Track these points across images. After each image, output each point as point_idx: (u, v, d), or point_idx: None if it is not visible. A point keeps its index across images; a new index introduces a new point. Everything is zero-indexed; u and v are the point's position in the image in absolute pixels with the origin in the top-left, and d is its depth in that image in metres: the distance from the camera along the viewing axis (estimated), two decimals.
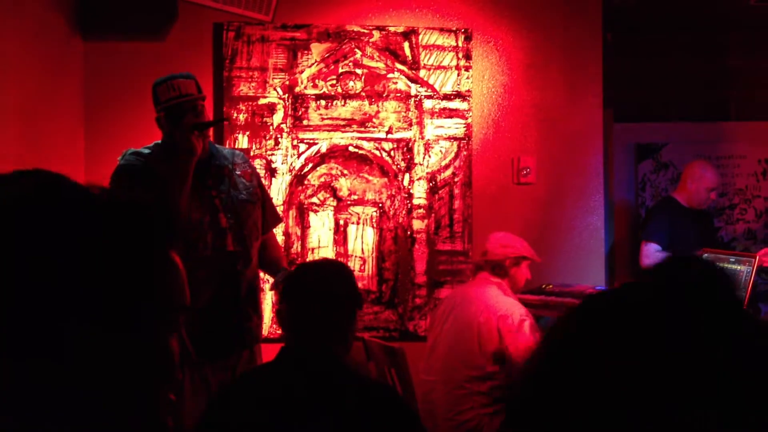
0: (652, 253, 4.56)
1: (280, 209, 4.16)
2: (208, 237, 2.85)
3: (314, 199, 4.21)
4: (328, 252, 4.19)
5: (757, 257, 3.64)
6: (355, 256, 4.21)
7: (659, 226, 4.65)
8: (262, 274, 3.27)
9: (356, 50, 4.23)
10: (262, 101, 4.16)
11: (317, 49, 4.21)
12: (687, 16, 5.10)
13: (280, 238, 4.16)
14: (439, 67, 4.28)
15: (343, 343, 2.04)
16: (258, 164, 4.15)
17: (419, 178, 4.27)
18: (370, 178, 4.25)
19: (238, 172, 3.01)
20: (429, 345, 3.50)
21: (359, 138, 4.23)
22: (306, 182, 4.20)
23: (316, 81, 4.21)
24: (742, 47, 5.41)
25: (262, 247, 3.09)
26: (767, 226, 5.47)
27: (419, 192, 4.27)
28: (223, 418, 1.91)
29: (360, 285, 3.21)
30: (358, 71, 4.23)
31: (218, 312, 2.82)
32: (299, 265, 2.40)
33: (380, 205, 4.25)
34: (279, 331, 4.00)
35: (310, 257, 4.16)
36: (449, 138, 4.29)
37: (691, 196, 4.70)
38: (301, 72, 4.19)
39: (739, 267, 3.46)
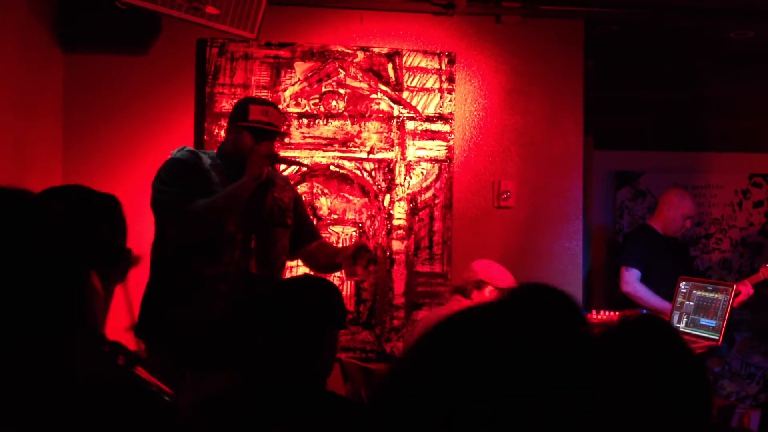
0: (633, 279, 4.58)
1: None
2: (236, 253, 2.86)
3: None
4: (306, 270, 4.16)
5: (734, 286, 3.66)
6: (334, 276, 4.18)
7: (638, 253, 4.67)
8: None
9: (340, 70, 4.24)
10: None
11: (301, 67, 4.20)
12: (667, 47, 5.16)
13: None
14: (422, 89, 4.30)
15: (325, 365, 2.01)
16: None
17: (400, 199, 4.26)
18: (351, 197, 4.24)
19: (276, 195, 3.03)
20: None
21: (341, 157, 4.22)
22: None
23: (299, 99, 4.20)
24: (720, 78, 5.48)
25: (317, 250, 3.13)
26: (742, 256, 5.52)
27: (399, 213, 4.26)
28: None
29: None
30: (341, 91, 4.23)
31: (229, 327, 2.81)
32: (280, 282, 2.37)
33: (360, 225, 4.23)
34: None
35: (288, 275, 4.12)
36: (431, 160, 4.29)
37: (667, 223, 4.73)
38: (284, 90, 4.18)
39: (716, 295, 3.48)
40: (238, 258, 2.87)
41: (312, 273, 3.38)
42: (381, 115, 4.26)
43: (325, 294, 2.07)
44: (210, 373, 2.77)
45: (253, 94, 4.15)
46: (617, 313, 3.74)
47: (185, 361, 2.80)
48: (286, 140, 4.18)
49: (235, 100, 4.12)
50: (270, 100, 3.09)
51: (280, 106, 4.16)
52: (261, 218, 2.94)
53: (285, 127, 4.15)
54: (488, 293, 3.48)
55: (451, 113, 4.32)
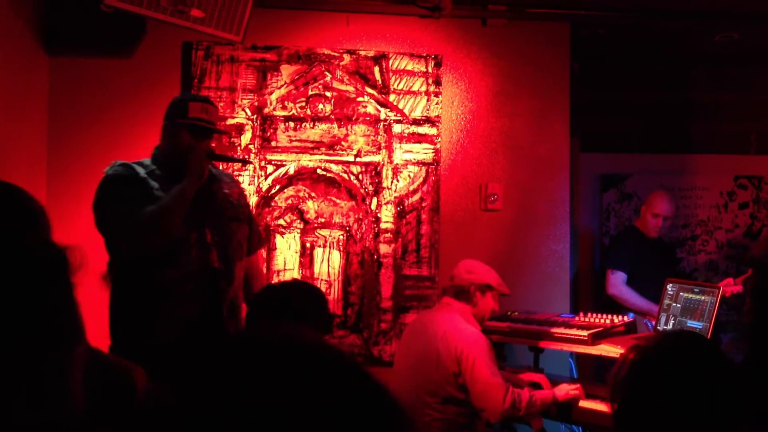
0: (619, 282, 4.59)
1: None
2: (193, 252, 2.82)
3: (281, 221, 4.17)
4: (293, 275, 4.15)
5: (721, 288, 3.67)
6: (321, 280, 4.18)
7: (623, 255, 4.69)
8: None
9: (326, 73, 4.23)
10: (230, 121, 4.13)
11: (287, 70, 4.19)
12: (653, 50, 5.18)
13: None
14: (408, 92, 4.29)
15: None
16: None
17: (387, 202, 4.25)
18: (338, 201, 4.23)
19: (226, 191, 3.00)
20: (394, 370, 3.47)
21: (327, 161, 4.21)
22: (273, 204, 4.17)
23: (286, 103, 4.19)
24: (706, 81, 5.51)
25: (248, 277, 3.07)
26: (728, 258, 5.55)
27: (387, 216, 4.25)
28: None
29: None
30: (328, 94, 4.22)
31: (201, 327, 2.78)
32: (266, 286, 2.36)
33: (347, 228, 4.22)
34: None
35: (275, 279, 4.11)
36: (418, 163, 4.29)
37: (644, 223, 4.79)
38: (271, 93, 4.17)
39: (702, 297, 3.49)
40: (198, 256, 2.83)
41: (299, 278, 3.37)
42: (368, 118, 4.25)
43: (314, 299, 2.06)
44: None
45: (239, 98, 4.14)
46: (604, 315, 3.75)
47: (160, 371, 2.75)
48: (273, 144, 4.17)
49: (222, 104, 4.12)
50: (208, 97, 3.02)
51: (266, 110, 4.16)
52: (214, 213, 2.90)
53: (256, 126, 4.14)
54: (491, 299, 3.45)
55: (438, 116, 4.32)
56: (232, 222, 2.97)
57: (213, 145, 2.96)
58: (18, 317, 0.84)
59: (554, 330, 3.62)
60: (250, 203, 4.13)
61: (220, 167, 3.32)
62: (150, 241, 2.74)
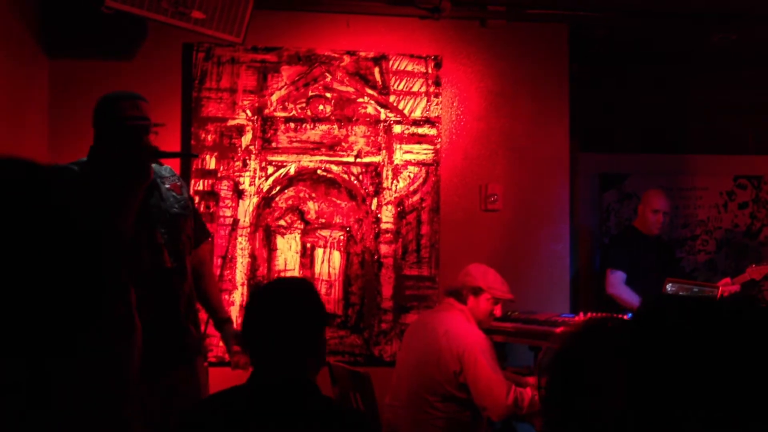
0: (618, 282, 4.60)
1: (246, 231, 4.13)
2: (144, 253, 2.75)
3: (281, 222, 4.18)
4: (294, 275, 4.16)
5: (720, 287, 3.69)
6: (322, 280, 4.19)
7: (623, 255, 4.70)
8: None
9: (326, 74, 4.24)
10: (231, 123, 4.14)
11: (287, 72, 4.21)
12: (652, 50, 5.20)
13: (245, 260, 4.12)
14: (408, 93, 4.31)
15: (314, 363, 2.01)
16: (225, 185, 4.12)
17: (387, 203, 4.27)
18: (338, 201, 4.24)
19: (167, 186, 2.91)
20: (396, 370, 3.48)
21: (328, 161, 4.22)
22: (273, 205, 4.18)
23: (286, 104, 4.20)
24: (705, 81, 5.52)
25: (196, 274, 2.99)
26: (728, 257, 5.56)
27: (387, 217, 4.27)
28: None
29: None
30: (328, 95, 4.24)
31: (160, 329, 2.75)
32: (259, 287, 2.32)
33: (348, 229, 4.24)
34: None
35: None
36: (418, 163, 4.30)
37: (643, 222, 4.79)
38: (271, 94, 4.18)
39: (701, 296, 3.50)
40: (149, 255, 2.77)
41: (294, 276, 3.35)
42: (368, 119, 4.27)
43: (312, 293, 2.07)
44: (151, 379, 2.68)
45: (240, 99, 4.15)
46: (605, 314, 3.76)
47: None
48: (273, 145, 4.18)
49: (223, 105, 4.13)
50: (138, 93, 2.87)
51: (266, 111, 4.17)
52: (160, 212, 2.83)
53: (257, 127, 4.15)
54: (484, 301, 3.46)
55: (437, 117, 4.33)
56: (180, 217, 2.89)
57: (152, 142, 2.81)
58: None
59: (555, 330, 3.63)
60: (252, 203, 4.14)
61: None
62: None
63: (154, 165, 2.88)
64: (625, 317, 3.72)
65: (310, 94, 4.22)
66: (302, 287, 2.10)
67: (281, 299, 2.02)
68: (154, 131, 2.81)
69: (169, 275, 2.79)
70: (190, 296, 2.90)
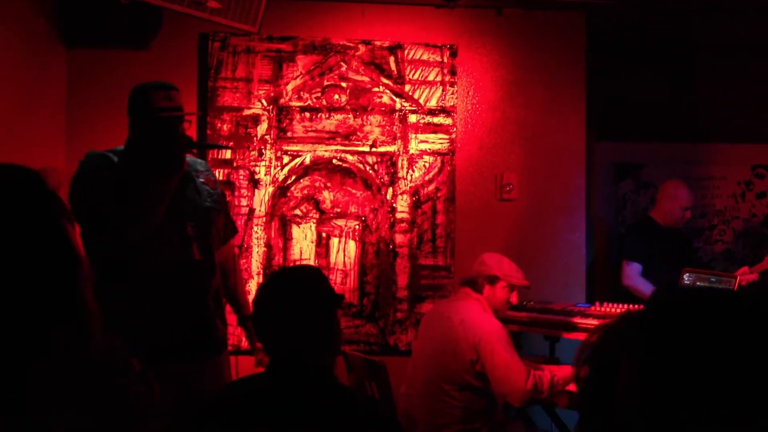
0: (634, 273, 4.58)
1: (262, 221, 4.14)
2: (173, 245, 2.75)
3: (297, 212, 4.19)
4: (309, 264, 4.17)
5: (738, 277, 3.67)
6: (337, 269, 4.20)
7: (639, 246, 4.67)
8: None
9: (342, 63, 4.24)
10: (246, 112, 4.15)
11: (303, 61, 4.21)
12: (670, 37, 5.15)
13: (261, 250, 4.14)
14: (424, 82, 4.30)
15: (330, 348, 2.01)
16: (241, 175, 4.13)
17: (402, 192, 4.26)
18: (354, 191, 4.24)
19: (201, 180, 2.91)
20: (412, 359, 3.48)
21: (343, 151, 4.22)
22: (289, 194, 4.19)
23: (301, 93, 4.20)
24: (723, 69, 5.46)
25: (223, 270, 2.99)
26: (745, 247, 5.52)
27: (402, 206, 4.26)
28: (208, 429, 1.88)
29: None
30: (343, 84, 4.23)
31: (187, 322, 2.76)
32: (268, 278, 2.32)
33: (363, 218, 4.24)
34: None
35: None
36: (433, 153, 4.30)
37: (666, 215, 4.74)
38: (286, 84, 4.19)
39: (719, 286, 3.48)
40: (178, 248, 2.76)
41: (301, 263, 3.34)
42: (383, 109, 4.26)
43: (319, 279, 2.08)
44: (176, 372, 2.69)
45: (255, 89, 4.16)
46: (621, 304, 3.74)
47: (147, 361, 2.71)
48: (289, 134, 4.19)
49: (239, 94, 4.14)
50: (169, 83, 2.85)
51: (282, 100, 4.17)
52: (191, 205, 2.82)
53: (272, 117, 4.15)
54: (500, 289, 3.46)
55: (453, 106, 4.32)
56: (211, 212, 2.89)
57: (187, 132, 2.84)
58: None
59: (571, 319, 3.63)
60: (267, 193, 4.15)
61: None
62: (131, 234, 2.66)
63: (189, 158, 2.89)
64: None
65: (326, 83, 4.22)
66: (308, 274, 2.11)
67: (288, 287, 2.03)
68: (188, 120, 2.81)
69: (198, 268, 2.79)
70: (217, 290, 2.91)
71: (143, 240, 2.68)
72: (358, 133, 4.24)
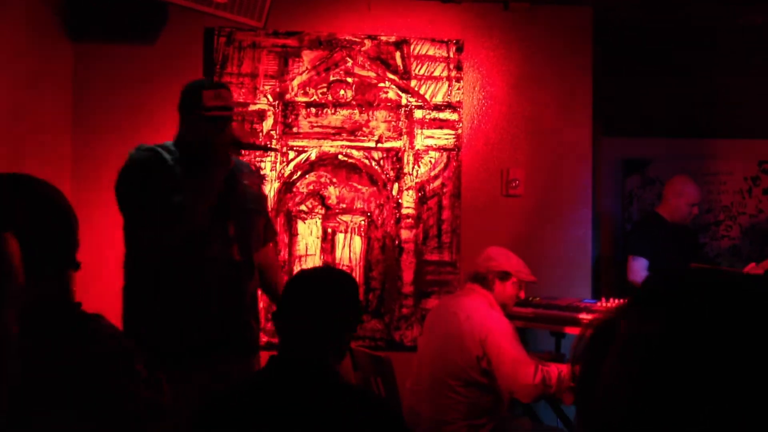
0: (640, 268, 4.57)
1: None
2: (215, 245, 2.77)
3: (302, 207, 4.19)
4: (315, 260, 4.17)
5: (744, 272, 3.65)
6: (343, 265, 4.19)
7: (645, 242, 4.66)
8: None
9: (347, 59, 4.23)
10: (252, 107, 4.15)
11: (308, 56, 4.20)
12: (676, 33, 5.13)
13: None
14: (430, 78, 4.29)
15: (339, 354, 2.02)
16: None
17: (408, 188, 4.26)
18: (359, 186, 4.24)
19: (246, 182, 2.94)
20: (418, 355, 3.48)
21: (349, 146, 4.22)
22: (294, 190, 4.19)
23: (307, 88, 4.19)
24: (729, 65, 5.45)
25: (263, 269, 3.02)
26: (752, 243, 5.50)
27: (408, 202, 4.26)
28: (211, 427, 1.88)
29: None
30: (349, 80, 4.23)
31: (223, 321, 2.77)
32: (301, 271, 2.32)
33: (368, 214, 4.24)
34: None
35: (297, 265, 4.14)
36: (439, 148, 4.29)
37: (673, 211, 4.72)
38: (292, 79, 4.18)
39: None
40: (219, 247, 2.78)
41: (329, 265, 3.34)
42: (389, 104, 4.25)
43: (347, 285, 2.07)
44: (208, 370, 2.71)
45: (261, 84, 4.15)
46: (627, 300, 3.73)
47: (180, 358, 2.73)
48: (295, 130, 4.18)
49: (244, 90, 4.13)
50: (220, 81, 2.87)
51: (287, 96, 4.17)
52: (235, 206, 2.84)
53: (278, 112, 4.14)
54: (510, 285, 3.45)
55: (459, 101, 4.31)
56: (254, 214, 2.92)
57: (234, 132, 2.88)
58: None
59: (576, 315, 3.62)
60: (273, 189, 4.15)
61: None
62: (173, 230, 2.69)
63: (235, 159, 2.91)
64: None
65: (331, 78, 4.22)
66: (347, 280, 2.11)
67: (323, 287, 2.03)
68: (238, 119, 2.83)
69: (237, 269, 2.81)
70: (254, 292, 2.94)
71: (186, 237, 2.71)
72: (364, 129, 4.23)
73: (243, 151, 3.20)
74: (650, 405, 0.77)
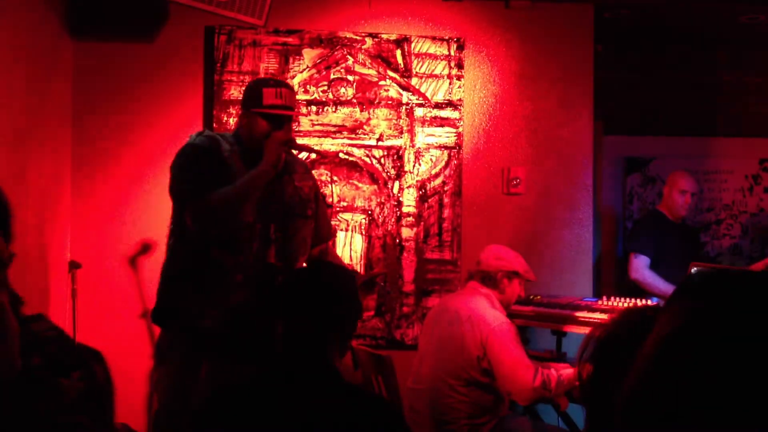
0: (642, 266, 4.56)
1: None
2: (255, 244, 2.79)
3: None
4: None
5: None
6: (344, 263, 4.18)
7: (647, 239, 4.66)
8: None
9: (348, 57, 4.22)
10: None
11: (309, 54, 4.19)
12: (677, 31, 5.12)
13: None
14: (431, 76, 4.28)
15: (340, 351, 2.01)
16: None
17: (409, 186, 4.25)
18: (360, 185, 4.23)
19: (297, 184, 2.95)
20: (418, 353, 3.48)
21: (350, 144, 4.21)
22: None
23: (308, 87, 4.19)
24: (731, 63, 5.44)
25: (321, 255, 3.06)
26: (753, 242, 5.50)
27: (409, 200, 4.25)
28: (211, 426, 1.87)
29: None
30: (350, 78, 4.22)
31: (247, 318, 2.78)
32: (297, 269, 2.32)
33: (369, 212, 4.23)
34: None
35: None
36: (440, 147, 4.28)
37: (670, 205, 4.73)
38: (293, 77, 4.17)
39: None
40: (257, 248, 2.80)
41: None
42: (390, 102, 4.24)
43: (351, 281, 2.07)
44: (227, 364, 2.75)
45: None
46: (627, 299, 3.73)
47: (202, 351, 2.78)
48: (296, 128, 4.18)
49: (243, 88, 4.12)
50: (283, 81, 2.93)
51: None
52: (281, 208, 2.86)
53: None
54: (517, 285, 3.45)
55: (460, 99, 4.30)
56: (299, 219, 2.92)
57: (291, 131, 2.91)
58: None
59: (577, 314, 3.61)
60: None
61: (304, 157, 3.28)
62: (214, 221, 2.71)
63: (290, 157, 2.96)
64: (650, 301, 3.69)
65: (332, 76, 4.21)
66: (344, 278, 2.10)
67: (322, 284, 2.02)
68: (296, 120, 2.85)
69: (270, 271, 2.81)
70: None
71: (225, 230, 2.73)
72: (365, 127, 4.22)
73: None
74: (698, 401, 0.75)
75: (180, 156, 2.81)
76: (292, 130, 2.90)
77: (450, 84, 4.29)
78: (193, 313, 2.77)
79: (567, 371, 3.28)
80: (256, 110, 2.82)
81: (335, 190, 4.21)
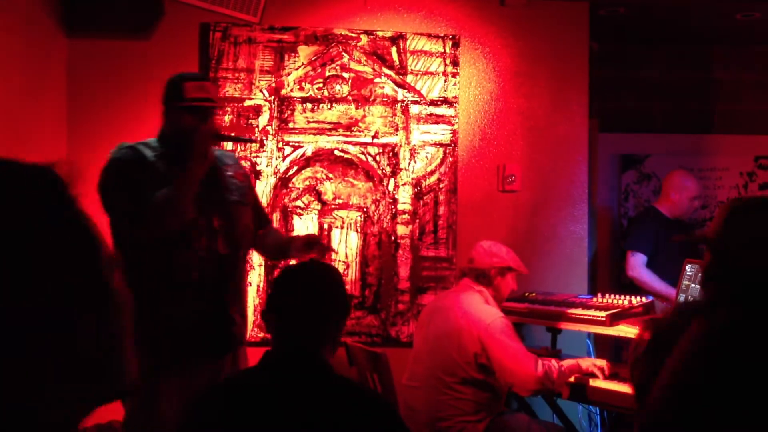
0: (638, 264, 4.57)
1: None
2: (203, 238, 2.76)
3: (299, 203, 4.18)
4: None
5: None
6: (339, 261, 4.19)
7: (644, 236, 4.66)
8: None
9: (343, 54, 4.22)
10: (247, 103, 4.14)
11: (304, 51, 4.19)
12: (673, 28, 5.13)
13: None
14: (426, 73, 4.28)
15: (332, 346, 2.01)
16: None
17: (404, 184, 4.25)
18: (355, 182, 4.23)
19: (229, 173, 2.92)
20: (413, 351, 3.48)
21: (345, 142, 4.21)
22: (290, 185, 4.18)
23: (303, 84, 4.18)
24: (726, 60, 5.45)
25: (266, 235, 3.05)
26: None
27: (404, 197, 4.25)
28: (203, 423, 1.87)
29: None
30: (345, 75, 4.22)
31: (206, 316, 2.76)
32: (287, 266, 2.33)
33: (365, 209, 4.23)
34: (261, 335, 3.97)
35: (293, 261, 4.12)
36: (435, 144, 4.28)
37: (675, 206, 4.72)
38: (288, 74, 4.17)
39: None
40: (206, 242, 2.76)
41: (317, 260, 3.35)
42: (385, 99, 4.24)
43: (333, 278, 2.07)
44: (193, 368, 2.71)
45: (257, 79, 4.14)
46: (622, 296, 3.73)
47: (169, 355, 2.72)
48: (290, 125, 4.17)
49: (240, 85, 4.12)
50: (203, 74, 2.86)
51: (283, 91, 4.16)
52: (219, 198, 2.82)
53: (274, 108, 4.13)
54: (510, 280, 3.47)
55: (455, 97, 4.30)
56: (238, 206, 2.90)
57: (216, 124, 2.87)
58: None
59: (572, 311, 3.62)
60: (269, 184, 4.14)
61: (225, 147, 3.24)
62: (165, 225, 2.67)
63: (217, 151, 2.90)
64: (645, 298, 3.69)
65: (327, 74, 4.20)
66: (334, 273, 2.11)
67: (316, 281, 2.03)
68: (218, 113, 2.81)
69: (221, 262, 2.79)
70: (240, 285, 2.92)
71: (174, 232, 2.69)
72: (360, 124, 4.22)
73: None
74: (733, 403, 0.77)
75: (108, 173, 2.74)
76: (216, 123, 2.82)
77: (445, 81, 4.29)
78: (153, 319, 2.69)
79: (567, 361, 3.29)
80: (179, 104, 2.77)
81: (330, 188, 4.21)
